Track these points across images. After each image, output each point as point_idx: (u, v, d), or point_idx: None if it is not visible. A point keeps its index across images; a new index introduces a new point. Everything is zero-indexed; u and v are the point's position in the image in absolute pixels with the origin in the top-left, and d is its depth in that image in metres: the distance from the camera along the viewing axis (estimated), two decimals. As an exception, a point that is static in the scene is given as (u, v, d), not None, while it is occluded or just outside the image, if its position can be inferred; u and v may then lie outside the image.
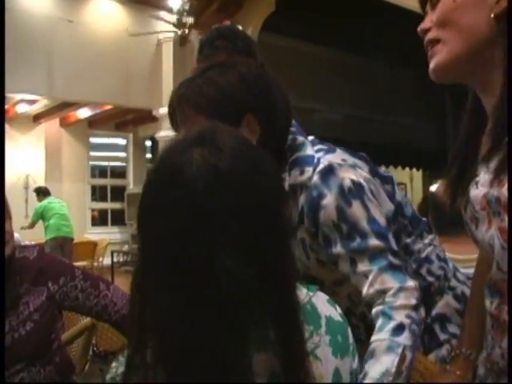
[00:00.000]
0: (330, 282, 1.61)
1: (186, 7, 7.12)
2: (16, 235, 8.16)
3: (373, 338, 1.37)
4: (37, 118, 11.37)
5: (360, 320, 1.65)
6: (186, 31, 7.68)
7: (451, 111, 13.60)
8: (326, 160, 1.52)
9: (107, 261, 9.96)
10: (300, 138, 1.62)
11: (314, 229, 1.52)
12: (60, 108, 10.71)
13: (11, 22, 8.78)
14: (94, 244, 10.26)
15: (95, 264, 9.97)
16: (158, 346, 0.95)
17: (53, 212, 9.13)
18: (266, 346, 0.95)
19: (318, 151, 1.58)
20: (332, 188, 1.48)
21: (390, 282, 1.41)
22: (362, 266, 1.44)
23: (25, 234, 8.74)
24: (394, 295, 1.40)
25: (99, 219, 12.83)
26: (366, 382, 1.29)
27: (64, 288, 2.05)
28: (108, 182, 13.08)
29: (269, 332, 0.95)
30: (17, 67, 8.67)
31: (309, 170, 1.53)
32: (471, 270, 1.79)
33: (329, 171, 1.50)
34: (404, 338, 1.35)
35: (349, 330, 1.10)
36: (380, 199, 1.56)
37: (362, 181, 1.50)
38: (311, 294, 1.08)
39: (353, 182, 1.48)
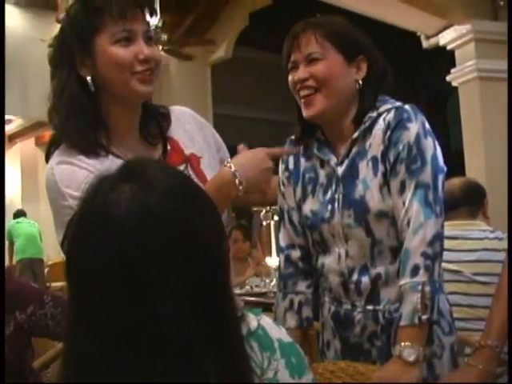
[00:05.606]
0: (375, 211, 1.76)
1: (160, 24, 7.09)
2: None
3: (399, 282, 1.68)
4: (12, 138, 11.26)
5: None
6: (160, 47, 7.66)
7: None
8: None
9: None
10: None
11: (388, 143, 1.74)
12: (35, 127, 10.62)
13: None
14: (73, 263, 10.11)
15: (74, 284, 9.84)
16: None
17: (19, 232, 9.01)
18: None
19: None
20: (418, 119, 1.75)
21: (418, 214, 1.67)
22: (407, 190, 1.69)
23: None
24: (414, 231, 1.66)
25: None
26: (402, 322, 1.64)
27: (33, 317, 1.96)
28: (86, 200, 12.94)
29: (215, 373, 0.90)
30: (-10, 87, 8.61)
31: (399, 104, 1.80)
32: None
33: (417, 109, 1.78)
34: (420, 276, 1.63)
35: (298, 347, 1.07)
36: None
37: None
38: (258, 317, 1.05)
39: (428, 126, 1.77)
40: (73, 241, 0.94)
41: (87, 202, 0.94)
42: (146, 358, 0.87)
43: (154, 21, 6.97)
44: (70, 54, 1.57)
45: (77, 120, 1.55)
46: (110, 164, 1.47)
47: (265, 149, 1.64)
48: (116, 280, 0.88)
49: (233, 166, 1.56)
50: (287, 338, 1.06)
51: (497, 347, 1.54)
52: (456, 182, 2.85)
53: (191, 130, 1.76)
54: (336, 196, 1.81)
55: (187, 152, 1.70)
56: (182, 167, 1.65)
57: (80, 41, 1.55)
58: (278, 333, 1.05)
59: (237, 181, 1.54)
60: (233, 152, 1.85)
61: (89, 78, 1.57)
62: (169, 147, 1.69)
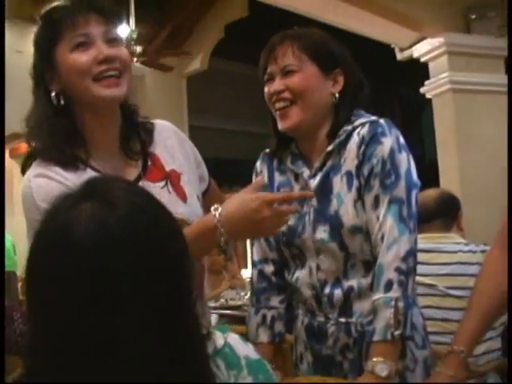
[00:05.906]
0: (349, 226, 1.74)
1: (134, 36, 7.08)
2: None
3: (373, 297, 1.68)
4: (-15, 150, 11.17)
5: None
6: (135, 60, 7.64)
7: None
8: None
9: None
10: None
11: (362, 157, 1.73)
12: (10, 139, 10.50)
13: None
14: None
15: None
16: None
17: None
18: None
19: None
20: (392, 133, 1.74)
21: (392, 230, 1.66)
22: (381, 205, 1.69)
23: None
24: (388, 246, 1.65)
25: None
26: (375, 337, 1.63)
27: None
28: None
29: None
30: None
31: (374, 118, 1.79)
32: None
33: (392, 124, 1.77)
34: (394, 292, 1.63)
35: (266, 364, 1.06)
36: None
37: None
38: (225, 335, 1.04)
39: (402, 141, 1.76)
40: (33, 257, 0.94)
41: (49, 218, 0.94)
42: (107, 376, 0.85)
43: (126, 30, 6.97)
44: (40, 73, 1.60)
45: (52, 136, 1.56)
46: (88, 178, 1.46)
47: (261, 196, 1.51)
48: (75, 297, 0.87)
49: (217, 215, 1.49)
50: (255, 355, 1.04)
51: (462, 352, 1.55)
52: (431, 193, 2.85)
53: (172, 145, 1.74)
54: (308, 209, 1.80)
55: (168, 168, 1.69)
56: (162, 183, 1.65)
57: (44, 57, 1.59)
58: (245, 350, 1.04)
59: (218, 232, 1.48)
60: (208, 164, 1.84)
61: (53, 94, 1.58)
62: (149, 163, 1.67)
